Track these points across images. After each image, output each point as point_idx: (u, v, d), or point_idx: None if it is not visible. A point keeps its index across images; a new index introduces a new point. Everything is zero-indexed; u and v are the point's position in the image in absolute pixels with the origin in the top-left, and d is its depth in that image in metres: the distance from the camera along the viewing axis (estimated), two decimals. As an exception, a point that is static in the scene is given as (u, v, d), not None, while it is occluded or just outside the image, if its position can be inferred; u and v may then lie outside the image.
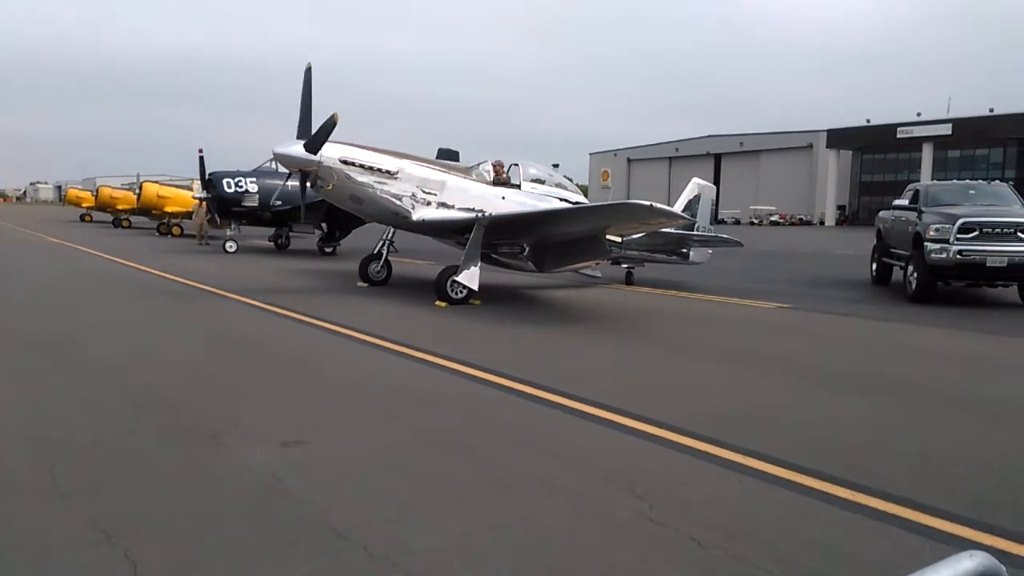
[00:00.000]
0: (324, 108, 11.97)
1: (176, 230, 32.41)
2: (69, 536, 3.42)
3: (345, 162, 12.10)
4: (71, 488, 3.97)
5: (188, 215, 27.67)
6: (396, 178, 12.42)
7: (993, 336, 10.15)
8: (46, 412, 5.44)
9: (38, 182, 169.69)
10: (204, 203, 25.21)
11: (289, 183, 16.10)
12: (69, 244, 25.42)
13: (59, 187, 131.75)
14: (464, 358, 7.44)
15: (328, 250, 22.54)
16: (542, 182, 13.81)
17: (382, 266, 14.17)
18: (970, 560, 1.20)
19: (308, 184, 12.55)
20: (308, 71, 12.14)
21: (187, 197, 29.40)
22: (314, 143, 11.82)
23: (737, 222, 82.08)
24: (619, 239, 13.83)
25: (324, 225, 22.05)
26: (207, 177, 23.15)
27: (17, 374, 6.58)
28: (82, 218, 47.49)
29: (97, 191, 43.37)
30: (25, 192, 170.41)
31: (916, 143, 77.61)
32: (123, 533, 3.42)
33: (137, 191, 35.15)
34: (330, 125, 11.84)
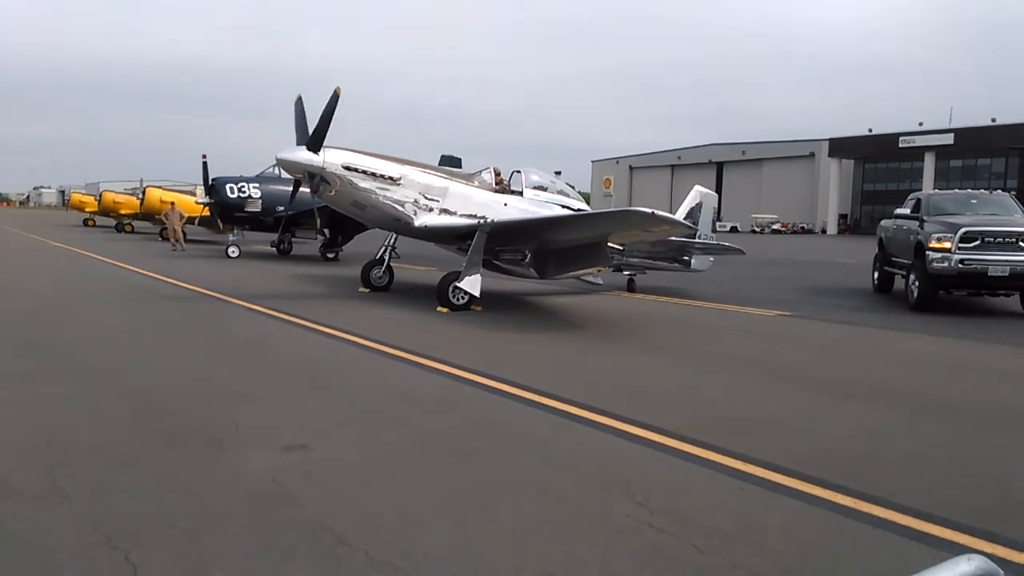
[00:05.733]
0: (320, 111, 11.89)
1: None
2: (70, 540, 3.42)
3: (348, 168, 12.13)
4: (72, 491, 3.97)
5: (192, 220, 27.72)
6: (399, 184, 12.46)
7: (994, 345, 10.14)
8: (47, 416, 5.44)
9: (41, 187, 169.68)
10: (173, 205, 25.65)
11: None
12: (72, 248, 25.45)
13: (62, 192, 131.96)
14: (465, 364, 7.45)
15: (330, 256, 22.56)
16: (544, 189, 13.86)
17: (384, 272, 14.18)
18: (968, 564, 1.20)
19: (311, 189, 12.60)
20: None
21: (190, 202, 29.51)
22: (316, 139, 11.80)
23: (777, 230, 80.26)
24: (621, 246, 13.84)
25: (326, 230, 22.08)
26: (210, 182, 23.23)
27: (18, 378, 6.59)
28: (85, 223, 47.54)
29: (100, 196, 43.48)
30: (28, 197, 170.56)
31: (918, 152, 77.67)
32: (124, 537, 3.42)
33: (140, 196, 35.26)
34: (333, 101, 11.70)
